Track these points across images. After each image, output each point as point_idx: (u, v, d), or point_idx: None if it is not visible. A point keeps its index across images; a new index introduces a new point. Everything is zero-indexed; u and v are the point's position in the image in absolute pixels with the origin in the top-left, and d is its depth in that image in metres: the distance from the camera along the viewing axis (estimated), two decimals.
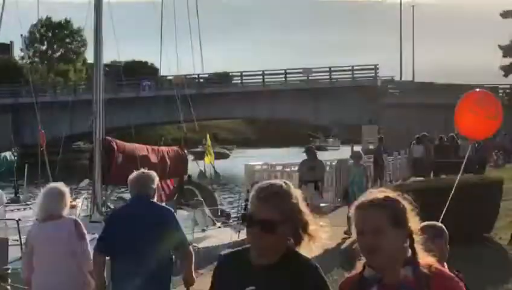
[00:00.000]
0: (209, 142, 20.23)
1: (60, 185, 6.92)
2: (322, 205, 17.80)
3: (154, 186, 6.65)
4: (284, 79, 68.62)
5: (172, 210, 6.97)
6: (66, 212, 6.76)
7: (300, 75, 69.47)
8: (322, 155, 53.24)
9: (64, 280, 6.50)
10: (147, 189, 6.57)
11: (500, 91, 63.97)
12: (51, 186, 6.90)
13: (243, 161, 30.10)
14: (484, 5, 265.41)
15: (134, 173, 6.77)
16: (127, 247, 6.32)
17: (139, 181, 6.63)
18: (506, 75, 60.01)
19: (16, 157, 19.63)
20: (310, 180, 17.27)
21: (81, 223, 6.81)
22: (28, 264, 6.74)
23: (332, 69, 68.34)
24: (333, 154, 58.69)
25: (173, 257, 6.69)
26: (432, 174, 25.81)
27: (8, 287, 8.31)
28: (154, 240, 6.32)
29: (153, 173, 6.75)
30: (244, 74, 72.58)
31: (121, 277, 6.33)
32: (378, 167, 27.30)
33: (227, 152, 71.41)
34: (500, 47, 60.19)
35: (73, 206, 17.99)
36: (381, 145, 28.92)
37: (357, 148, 59.73)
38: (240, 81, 72.13)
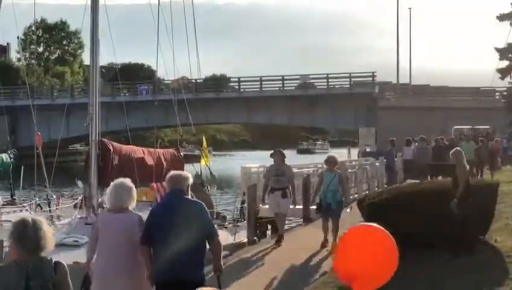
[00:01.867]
0: (204, 144, 20.23)
1: (128, 181, 7.70)
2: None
3: (187, 183, 7.50)
4: (281, 85, 68.64)
5: (203, 204, 7.55)
6: (132, 205, 7.56)
7: (298, 81, 69.65)
8: (310, 158, 52.67)
9: (123, 263, 7.28)
10: (180, 185, 7.44)
11: (497, 94, 64.06)
12: (121, 181, 7.67)
13: (240, 163, 30.10)
14: (481, 7, 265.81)
15: (171, 172, 7.76)
16: (165, 237, 7.15)
17: (173, 179, 7.52)
18: (502, 78, 59.96)
19: (12, 159, 19.55)
20: (277, 188, 15.65)
21: (143, 219, 7.50)
22: (92, 247, 7.57)
23: (329, 76, 68.68)
24: (322, 158, 58.61)
25: (206, 246, 7.36)
26: (428, 177, 25.76)
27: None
28: (187, 231, 7.11)
29: (187, 173, 7.71)
30: (241, 79, 72.92)
31: (161, 263, 7.14)
32: (389, 171, 27.29)
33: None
34: (497, 50, 60.15)
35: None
36: (393, 148, 28.66)
37: (354, 151, 60.11)
38: (237, 86, 72.20)
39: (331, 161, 15.31)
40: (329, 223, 14.85)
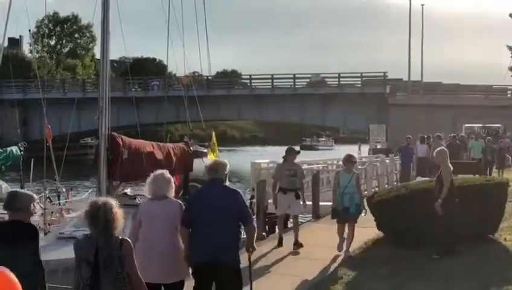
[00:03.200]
0: (214, 139, 20.19)
1: (167, 173, 8.28)
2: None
3: (225, 172, 8.04)
4: (292, 83, 68.75)
5: (240, 192, 8.13)
6: (171, 194, 8.11)
7: (309, 80, 69.63)
8: (313, 155, 52.26)
9: (165, 246, 7.77)
10: (219, 174, 7.99)
11: (509, 92, 63.80)
12: (160, 172, 8.26)
13: (250, 159, 30.11)
14: (493, 5, 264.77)
15: (210, 161, 8.68)
16: (203, 220, 7.70)
17: (212, 168, 8.09)
18: None
19: (22, 152, 19.60)
20: (290, 189, 14.57)
21: (183, 206, 8.04)
22: (135, 234, 7.88)
23: (341, 75, 68.77)
24: (325, 154, 58.60)
25: (241, 230, 7.91)
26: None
27: None
28: (225, 214, 7.69)
29: (226, 162, 8.23)
30: (253, 76, 73.03)
31: (199, 245, 7.67)
32: (404, 168, 27.36)
33: (204, 150, 71.96)
34: (509, 48, 59.99)
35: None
36: (410, 146, 28.45)
37: (365, 148, 59.91)
38: (248, 83, 72.34)
39: (350, 161, 13.54)
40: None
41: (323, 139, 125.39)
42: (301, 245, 14.28)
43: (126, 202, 14.42)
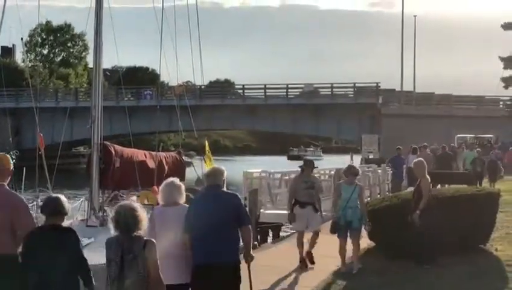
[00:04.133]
0: (207, 147, 20.17)
1: (177, 180, 8.74)
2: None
3: (223, 178, 8.46)
4: (285, 93, 68.84)
5: (238, 195, 8.58)
6: (182, 200, 8.54)
7: (302, 90, 69.83)
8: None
9: (177, 248, 8.17)
10: (217, 180, 8.41)
11: (501, 103, 64.01)
12: (171, 180, 8.71)
13: (242, 168, 30.09)
14: (486, 16, 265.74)
15: (209, 168, 9.13)
16: (203, 224, 8.04)
17: (210, 175, 8.54)
18: (506, 87, 60.00)
19: (14, 160, 19.50)
20: (307, 202, 13.65)
21: None
22: (150, 237, 8.07)
23: (334, 85, 69.07)
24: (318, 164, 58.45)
25: (239, 233, 8.21)
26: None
27: None
28: (223, 219, 8.06)
29: (223, 168, 8.66)
30: (246, 86, 73.13)
31: (200, 246, 8.04)
32: (396, 178, 27.34)
33: (189, 160, 71.92)
34: (501, 59, 60.13)
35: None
36: (401, 156, 28.44)
37: (357, 158, 60.00)
38: (241, 93, 72.45)
39: (352, 172, 12.86)
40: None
41: (311, 149, 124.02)
42: (313, 261, 13.58)
43: None
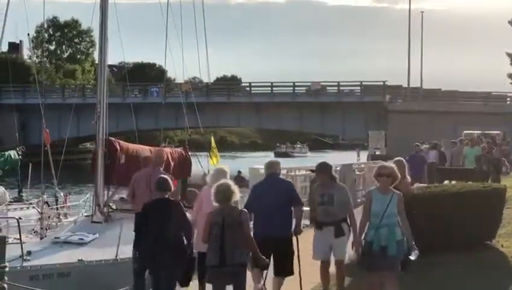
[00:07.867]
0: (213, 143, 20.13)
1: (226, 167, 11.02)
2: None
3: (279, 167, 10.80)
4: (292, 91, 68.81)
5: (291, 182, 11.62)
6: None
7: (308, 88, 69.74)
8: (288, 162, 51.33)
9: None
10: (275, 169, 10.66)
11: (508, 99, 63.81)
12: (221, 167, 11.10)
13: (249, 164, 30.04)
14: (493, 12, 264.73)
15: (268, 160, 11.20)
16: (262, 204, 10.12)
17: (269, 165, 10.67)
18: None
19: (20, 156, 19.53)
20: (327, 222, 10.20)
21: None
22: (196, 215, 10.69)
23: (340, 83, 69.13)
24: (302, 162, 58.00)
25: (291, 212, 10.31)
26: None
27: (5, 285, 8.28)
28: (279, 200, 10.16)
29: (279, 160, 11.20)
30: (252, 84, 73.17)
31: (261, 223, 10.02)
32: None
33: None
34: (509, 55, 60.00)
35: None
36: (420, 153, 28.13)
37: (363, 154, 59.79)
38: (248, 90, 72.37)
39: (384, 174, 9.07)
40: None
41: (299, 146, 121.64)
42: None
43: (123, 207, 14.43)
